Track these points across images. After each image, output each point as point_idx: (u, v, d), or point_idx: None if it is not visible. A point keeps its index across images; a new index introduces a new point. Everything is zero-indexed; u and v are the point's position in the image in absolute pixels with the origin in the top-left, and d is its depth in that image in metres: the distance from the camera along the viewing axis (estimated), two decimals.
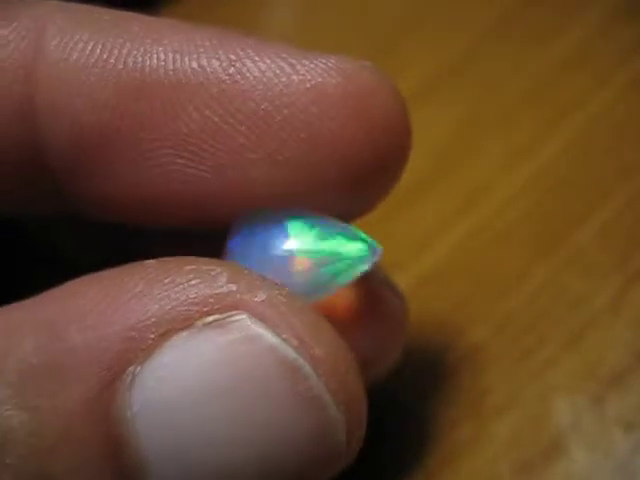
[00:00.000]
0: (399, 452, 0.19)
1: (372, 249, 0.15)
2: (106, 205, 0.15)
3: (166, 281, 0.12)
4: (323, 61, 0.14)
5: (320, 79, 0.14)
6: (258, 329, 0.12)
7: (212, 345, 0.12)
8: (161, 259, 0.13)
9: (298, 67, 0.14)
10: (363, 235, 0.15)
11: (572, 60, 0.26)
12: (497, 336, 0.21)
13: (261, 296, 0.13)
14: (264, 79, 0.14)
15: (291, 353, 0.12)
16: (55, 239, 0.18)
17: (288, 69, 0.14)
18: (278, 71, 0.14)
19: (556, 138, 0.24)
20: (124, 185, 0.15)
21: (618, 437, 0.19)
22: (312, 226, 0.15)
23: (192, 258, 0.13)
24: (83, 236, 0.18)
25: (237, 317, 0.12)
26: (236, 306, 0.12)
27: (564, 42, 0.26)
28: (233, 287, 0.13)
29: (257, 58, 0.14)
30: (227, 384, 0.12)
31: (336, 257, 0.15)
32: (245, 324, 0.12)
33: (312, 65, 0.14)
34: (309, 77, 0.14)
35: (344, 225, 0.15)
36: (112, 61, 0.14)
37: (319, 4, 0.29)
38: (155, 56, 0.14)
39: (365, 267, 0.15)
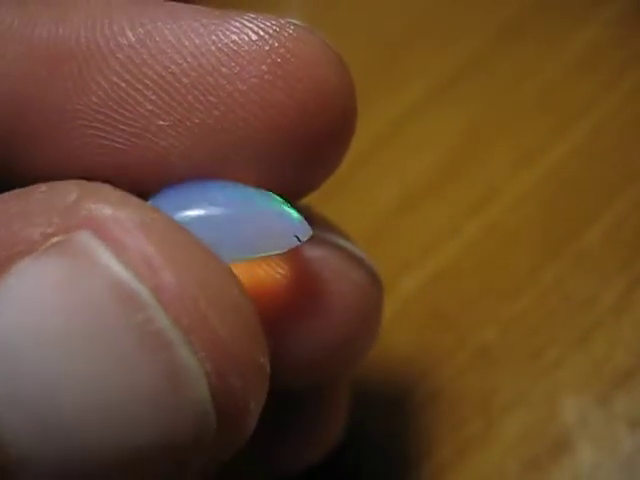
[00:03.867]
0: (409, 449, 0.20)
1: (303, 226, 0.14)
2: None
3: (17, 203, 0.11)
4: (239, 20, 0.13)
5: (234, 38, 0.13)
6: (96, 249, 0.11)
7: (50, 271, 0.11)
8: (31, 185, 0.12)
9: (212, 27, 0.13)
10: (294, 211, 0.14)
11: (580, 65, 0.26)
12: (505, 336, 0.21)
13: (109, 212, 0.11)
14: (173, 41, 0.13)
15: (126, 276, 0.11)
16: None
17: (201, 30, 0.13)
18: (190, 32, 0.13)
19: (564, 142, 0.24)
20: (46, 160, 0.14)
21: (624, 435, 0.19)
22: (235, 186, 0.14)
23: (57, 181, 0.12)
24: None
25: (79, 237, 0.11)
26: (82, 225, 0.11)
27: (572, 47, 0.26)
28: (82, 204, 0.11)
29: (170, 20, 0.13)
30: (63, 316, 0.11)
31: (261, 214, 0.13)
32: (85, 244, 0.11)
33: (226, 24, 0.13)
34: (221, 37, 0.13)
35: (274, 197, 0.14)
36: (27, 31, 0.13)
37: (327, 9, 0.29)
38: (69, 25, 0.13)
39: (289, 242, 0.13)
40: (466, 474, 0.19)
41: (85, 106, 0.13)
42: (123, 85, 0.13)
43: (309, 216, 0.14)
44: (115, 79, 0.13)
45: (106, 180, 0.13)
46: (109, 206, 0.11)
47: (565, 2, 0.27)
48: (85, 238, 0.11)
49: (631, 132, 0.24)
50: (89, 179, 0.13)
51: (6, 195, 0.12)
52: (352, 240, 0.16)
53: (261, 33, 0.13)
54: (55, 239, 0.11)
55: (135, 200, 0.12)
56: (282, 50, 0.13)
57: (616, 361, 0.20)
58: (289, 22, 0.13)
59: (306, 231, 0.14)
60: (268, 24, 0.13)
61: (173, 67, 0.13)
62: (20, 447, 0.11)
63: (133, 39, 0.13)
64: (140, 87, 0.13)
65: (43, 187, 0.12)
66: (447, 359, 0.21)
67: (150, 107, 0.13)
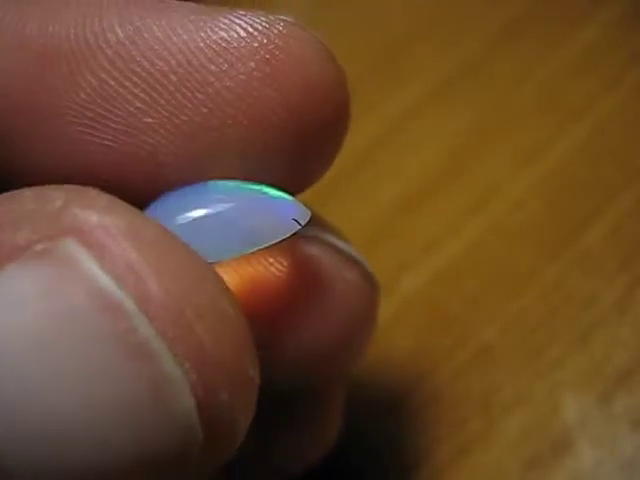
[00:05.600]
0: (409, 448, 0.20)
1: (300, 209, 0.13)
2: (30, 181, 0.14)
3: (2, 209, 0.11)
4: (228, 16, 0.13)
5: (222, 34, 0.13)
6: (80, 256, 0.10)
7: (34, 278, 0.10)
8: (19, 190, 0.12)
9: (200, 24, 0.13)
10: (290, 197, 0.13)
11: (581, 64, 0.26)
12: (506, 335, 0.21)
13: (95, 219, 0.11)
14: (162, 38, 0.13)
15: (109, 284, 0.10)
16: None
17: (189, 26, 0.13)
18: (179, 29, 0.13)
19: (565, 141, 0.24)
20: (36, 157, 0.14)
21: (625, 434, 0.19)
22: (232, 181, 0.13)
23: (46, 186, 0.11)
24: None
25: (63, 244, 0.11)
26: (67, 232, 0.11)
27: (573, 47, 0.26)
28: (68, 210, 0.11)
29: (159, 17, 0.13)
30: (45, 325, 0.10)
31: (258, 206, 0.13)
32: (69, 252, 0.10)
33: (215, 21, 0.13)
34: (210, 33, 0.13)
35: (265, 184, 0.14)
36: (17, 27, 0.13)
37: (330, 7, 0.29)
38: (59, 21, 0.13)
39: (289, 227, 0.13)
40: (467, 473, 0.19)
41: (74, 103, 0.13)
42: (111, 82, 0.13)
43: None
44: (103, 76, 0.13)
45: (95, 178, 0.13)
46: (95, 212, 0.11)
47: (565, 3, 0.27)
48: (69, 245, 0.11)
49: (632, 132, 0.24)
50: (79, 176, 0.14)
51: None
52: (347, 239, 0.16)
53: (250, 30, 0.13)
54: (40, 246, 0.11)
55: (122, 206, 0.11)
56: (271, 47, 0.13)
57: (617, 360, 0.20)
58: (279, 19, 0.13)
59: (304, 213, 0.13)
60: (257, 20, 0.13)
61: (161, 64, 0.13)
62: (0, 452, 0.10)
63: (122, 36, 0.13)
64: (128, 84, 0.13)
65: (28, 192, 0.11)
66: (448, 358, 0.21)
67: (138, 104, 0.13)
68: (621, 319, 0.21)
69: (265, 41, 0.13)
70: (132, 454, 0.10)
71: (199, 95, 0.13)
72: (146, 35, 0.13)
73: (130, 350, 0.10)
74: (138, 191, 0.14)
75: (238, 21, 0.13)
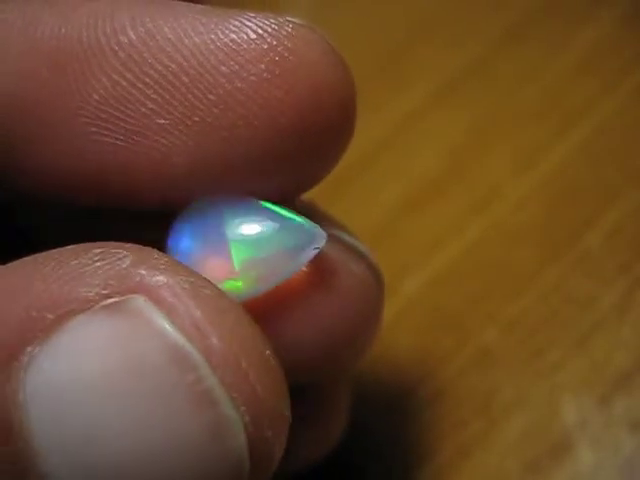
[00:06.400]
0: (410, 449, 0.20)
1: (315, 235, 0.14)
2: (43, 183, 0.14)
3: (72, 263, 0.12)
4: (239, 18, 0.13)
5: (233, 36, 0.13)
6: (150, 313, 0.11)
7: (106, 329, 0.11)
8: (83, 244, 0.12)
9: (211, 26, 0.13)
10: (305, 222, 0.14)
11: (582, 67, 0.26)
12: (506, 336, 0.21)
13: (162, 279, 0.12)
14: (174, 40, 0.13)
15: (180, 339, 0.11)
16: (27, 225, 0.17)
17: (201, 28, 0.13)
18: (190, 31, 0.13)
19: (566, 143, 0.24)
20: (50, 159, 0.14)
21: (624, 437, 0.19)
22: (251, 214, 0.14)
23: (108, 242, 0.12)
24: (54, 221, 0.17)
25: (133, 301, 0.11)
26: (136, 289, 0.12)
27: (574, 49, 0.26)
28: (136, 269, 0.12)
29: (171, 19, 0.13)
30: (116, 372, 0.11)
31: (277, 250, 0.14)
32: (139, 308, 0.11)
33: (226, 23, 0.13)
34: (221, 35, 0.13)
35: (285, 212, 0.14)
36: (30, 29, 0.13)
37: (333, 10, 0.29)
38: (71, 23, 0.13)
39: (308, 256, 0.14)
40: (467, 474, 0.19)
41: (87, 104, 0.13)
42: (124, 84, 0.13)
43: (311, 211, 0.14)
44: (116, 77, 0.13)
45: (109, 178, 0.14)
46: (160, 273, 0.12)
47: (567, 4, 0.27)
48: (139, 302, 0.11)
49: (633, 134, 0.24)
50: (92, 177, 0.14)
51: (60, 252, 0.12)
52: (352, 234, 0.16)
53: (260, 32, 0.13)
54: (110, 300, 0.11)
55: (182, 267, 0.12)
56: (281, 48, 0.13)
57: (616, 362, 0.20)
58: (288, 20, 0.13)
59: (322, 238, 0.14)
60: (267, 22, 0.13)
61: (173, 66, 0.13)
62: None
63: (134, 37, 0.13)
64: (141, 86, 0.13)
65: (97, 249, 0.12)
66: (448, 359, 0.21)
67: (151, 105, 0.13)
68: (621, 321, 0.21)
69: (275, 43, 0.13)
70: None
71: (210, 96, 0.13)
72: (158, 37, 0.13)
73: (195, 397, 0.11)
74: (150, 191, 0.14)
75: (248, 23, 0.13)
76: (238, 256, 0.13)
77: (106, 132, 0.14)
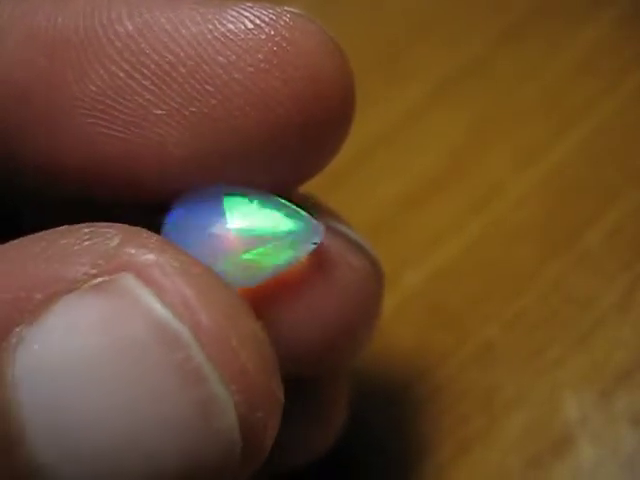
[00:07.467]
0: (410, 446, 0.20)
1: (313, 228, 0.14)
2: (40, 173, 0.14)
3: (61, 242, 0.12)
4: (236, 8, 0.13)
5: (230, 27, 0.13)
6: (139, 292, 0.11)
7: (94, 309, 0.11)
8: (73, 225, 0.12)
9: (208, 16, 0.13)
10: (304, 214, 0.14)
11: (582, 66, 0.26)
12: (507, 334, 0.21)
13: (151, 258, 0.11)
14: (171, 30, 0.13)
15: (168, 317, 0.11)
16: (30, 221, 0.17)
17: (198, 19, 0.13)
18: (187, 21, 0.13)
19: (567, 141, 0.24)
20: (48, 149, 0.14)
21: (625, 433, 0.19)
22: (250, 201, 0.14)
23: (98, 223, 0.12)
24: (48, 211, 0.17)
25: (122, 279, 0.11)
26: (124, 268, 0.11)
27: (574, 49, 0.26)
28: (124, 248, 0.12)
29: (167, 9, 0.13)
30: (105, 351, 0.11)
31: (274, 237, 0.14)
32: (128, 287, 0.11)
33: (223, 13, 0.13)
34: (218, 25, 0.13)
35: (284, 202, 0.14)
36: (27, 19, 0.14)
37: (332, 6, 0.29)
38: (68, 13, 0.13)
39: (306, 249, 0.14)
40: (468, 471, 0.19)
41: (84, 95, 0.13)
42: (121, 74, 0.13)
43: (311, 204, 0.14)
44: (113, 68, 0.13)
45: (106, 169, 0.14)
46: (150, 252, 0.12)
47: (566, 4, 0.27)
48: (129, 280, 0.11)
49: (633, 134, 0.24)
50: (90, 167, 0.14)
51: (49, 233, 0.12)
52: (353, 228, 0.16)
53: (257, 22, 0.13)
54: (99, 279, 0.11)
55: (172, 246, 0.12)
56: (278, 38, 0.13)
57: (617, 359, 0.20)
58: (286, 10, 0.13)
59: (320, 232, 0.14)
60: (265, 12, 0.13)
61: (170, 56, 0.13)
62: (53, 470, 0.11)
63: (131, 28, 0.13)
64: (138, 76, 0.13)
65: (86, 229, 0.12)
66: (449, 356, 0.21)
67: (148, 96, 0.13)
68: (621, 319, 0.21)
69: (272, 33, 0.13)
70: (180, 466, 0.11)
71: (207, 87, 0.13)
72: (155, 27, 0.13)
73: (184, 376, 0.11)
74: (148, 181, 0.14)
75: (246, 13, 0.13)
76: (236, 245, 0.13)
77: (103, 123, 0.13)
